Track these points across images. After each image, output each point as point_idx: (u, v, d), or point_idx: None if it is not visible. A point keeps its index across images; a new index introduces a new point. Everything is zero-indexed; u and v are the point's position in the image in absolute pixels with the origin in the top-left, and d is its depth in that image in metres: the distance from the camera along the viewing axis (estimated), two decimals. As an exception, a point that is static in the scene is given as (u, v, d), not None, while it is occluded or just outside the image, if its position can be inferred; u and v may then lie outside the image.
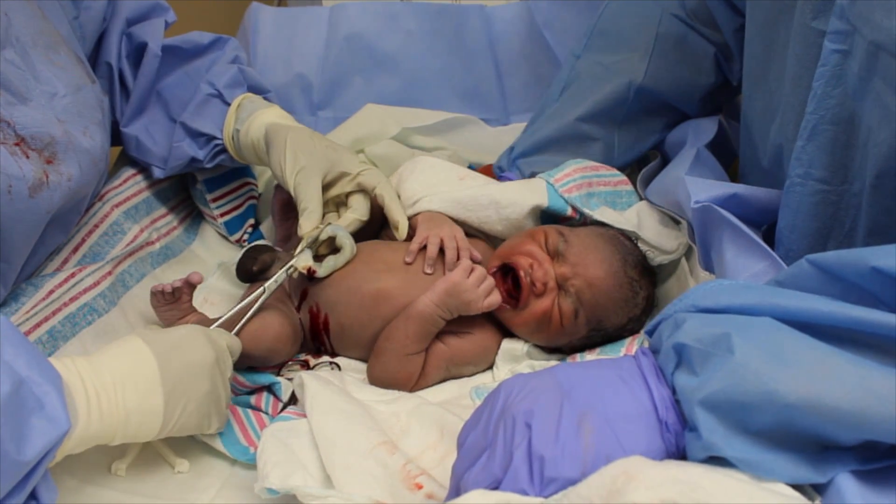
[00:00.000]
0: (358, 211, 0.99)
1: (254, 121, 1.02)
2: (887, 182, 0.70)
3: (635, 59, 1.12)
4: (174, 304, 0.92)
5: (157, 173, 1.09)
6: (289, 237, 1.11)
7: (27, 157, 0.81)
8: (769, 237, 0.84)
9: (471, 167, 1.26)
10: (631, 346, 0.94)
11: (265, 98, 1.10)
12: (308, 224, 0.93)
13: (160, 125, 1.08)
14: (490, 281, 0.91)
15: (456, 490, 0.62)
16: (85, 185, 0.91)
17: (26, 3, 0.87)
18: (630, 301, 0.95)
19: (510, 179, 1.16)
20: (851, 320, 0.53)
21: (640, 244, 1.00)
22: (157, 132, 1.08)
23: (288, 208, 1.10)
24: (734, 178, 1.03)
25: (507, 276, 0.94)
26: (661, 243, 1.00)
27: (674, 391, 0.60)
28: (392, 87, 1.45)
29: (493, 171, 1.20)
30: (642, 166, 1.23)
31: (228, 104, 1.06)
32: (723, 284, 0.63)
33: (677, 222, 1.03)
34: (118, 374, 0.67)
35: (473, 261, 0.97)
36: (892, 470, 0.53)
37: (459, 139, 1.36)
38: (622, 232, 1.00)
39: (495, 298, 0.91)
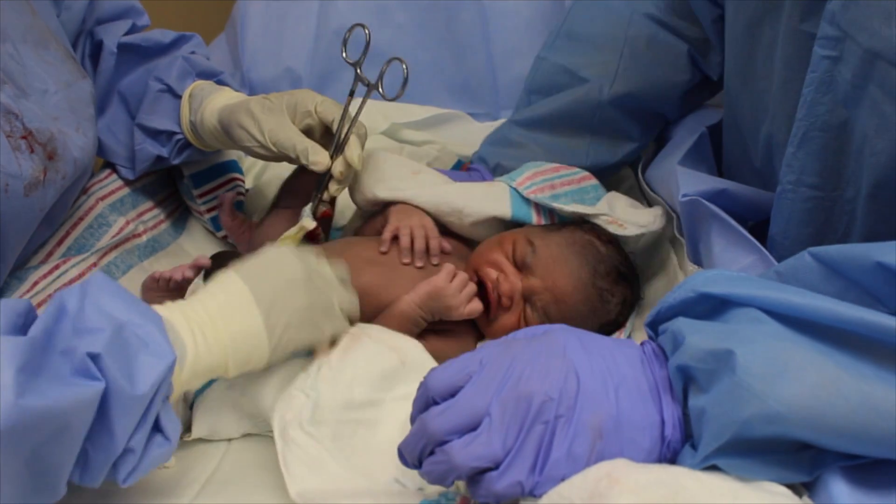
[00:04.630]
0: (355, 148, 0.92)
1: (205, 109, 0.98)
2: (885, 191, 0.69)
3: (605, 63, 1.09)
4: (173, 292, 0.89)
5: (125, 173, 1.06)
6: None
7: (32, 150, 0.81)
8: (755, 233, 0.83)
9: (460, 162, 1.26)
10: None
11: (218, 81, 1.06)
12: (323, 156, 0.88)
13: (123, 124, 1.06)
14: (472, 287, 0.90)
15: (433, 444, 0.59)
16: (76, 181, 0.91)
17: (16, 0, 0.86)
18: (599, 310, 0.93)
19: (475, 171, 1.15)
20: (854, 321, 0.53)
21: (611, 220, 0.98)
22: (120, 132, 1.05)
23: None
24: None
25: (478, 286, 0.92)
26: (633, 219, 0.99)
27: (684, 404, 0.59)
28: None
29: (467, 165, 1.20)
30: (634, 162, 1.22)
31: (180, 97, 1.02)
32: (723, 274, 0.62)
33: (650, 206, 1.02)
34: (214, 305, 0.69)
35: (443, 251, 0.97)
36: (878, 464, 0.53)
37: (448, 134, 1.36)
38: (596, 231, 0.98)
39: (476, 306, 0.89)
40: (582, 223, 1.00)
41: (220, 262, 0.96)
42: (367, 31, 0.91)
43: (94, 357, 0.57)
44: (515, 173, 1.06)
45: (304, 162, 0.88)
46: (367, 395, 0.75)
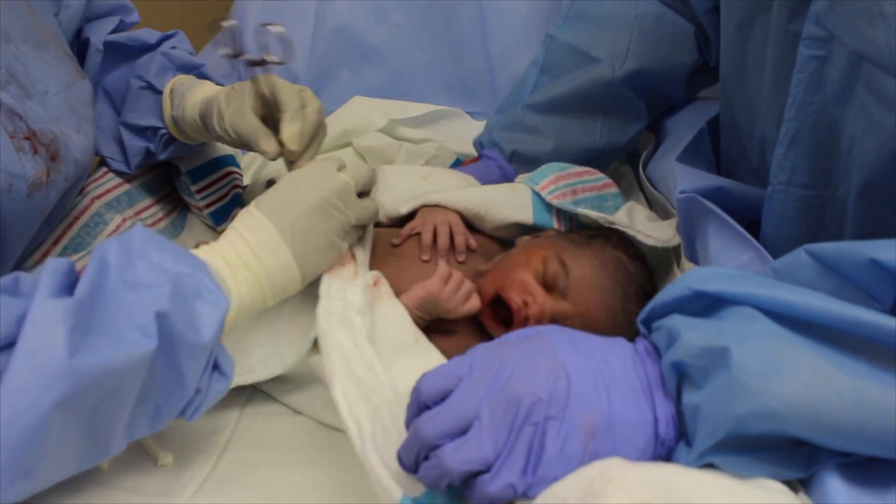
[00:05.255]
0: (287, 127, 0.88)
1: (186, 103, 0.98)
2: (874, 191, 0.69)
3: (616, 41, 1.11)
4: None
5: (118, 166, 1.07)
6: None
7: (35, 151, 0.80)
8: (751, 232, 0.83)
9: (458, 160, 1.26)
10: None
11: (198, 74, 1.05)
12: (271, 144, 0.86)
13: (110, 119, 1.06)
14: (468, 285, 0.89)
15: (427, 448, 0.59)
16: (76, 182, 0.91)
17: (16, 0, 0.86)
18: (625, 331, 0.90)
19: (489, 159, 1.15)
20: (850, 320, 0.53)
21: (636, 235, 0.97)
22: (108, 126, 1.06)
23: None
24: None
25: (499, 302, 0.90)
26: (654, 233, 0.98)
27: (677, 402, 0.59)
28: (379, 80, 1.45)
29: (474, 146, 1.20)
30: (632, 159, 1.22)
31: (160, 92, 1.02)
32: (718, 272, 0.62)
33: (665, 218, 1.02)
34: (246, 246, 0.74)
35: (469, 248, 0.96)
36: (874, 461, 0.53)
37: (445, 131, 1.36)
38: (624, 245, 0.96)
39: (474, 303, 0.88)
40: (608, 234, 0.97)
41: None
42: (232, 24, 0.88)
43: (161, 315, 0.60)
44: (538, 175, 1.05)
45: (257, 150, 0.88)
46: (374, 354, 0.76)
